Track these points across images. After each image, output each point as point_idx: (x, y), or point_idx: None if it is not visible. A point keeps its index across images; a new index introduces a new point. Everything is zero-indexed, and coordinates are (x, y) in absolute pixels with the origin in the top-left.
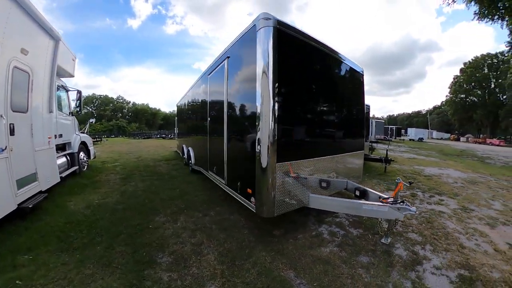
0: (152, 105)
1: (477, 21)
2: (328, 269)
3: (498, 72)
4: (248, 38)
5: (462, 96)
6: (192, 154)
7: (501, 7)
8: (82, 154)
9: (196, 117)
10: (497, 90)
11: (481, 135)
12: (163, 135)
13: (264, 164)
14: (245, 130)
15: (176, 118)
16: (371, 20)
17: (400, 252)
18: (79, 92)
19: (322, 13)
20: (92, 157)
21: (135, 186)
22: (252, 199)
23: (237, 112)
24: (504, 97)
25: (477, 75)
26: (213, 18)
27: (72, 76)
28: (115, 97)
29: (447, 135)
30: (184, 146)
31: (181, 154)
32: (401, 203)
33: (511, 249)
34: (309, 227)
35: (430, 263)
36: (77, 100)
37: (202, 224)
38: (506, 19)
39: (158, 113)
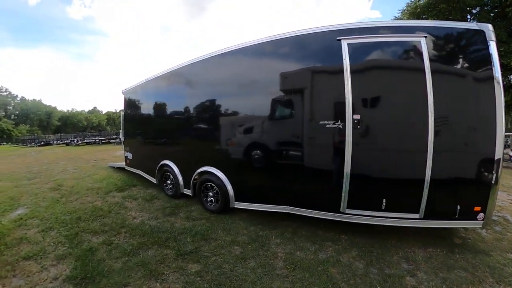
0: (46, 101)
1: None
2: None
3: None
4: (468, 36)
5: None
6: (225, 179)
7: None
8: None
9: (266, 111)
10: None
11: None
12: (67, 141)
13: (500, 173)
14: (471, 137)
15: (123, 114)
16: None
17: None
18: None
19: (236, 15)
20: None
21: None
22: (481, 215)
23: (458, 113)
24: None
25: None
26: (127, 7)
27: None
28: None
29: None
30: (169, 162)
31: (156, 178)
32: None
33: None
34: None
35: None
36: None
37: None
38: None
39: (54, 112)
